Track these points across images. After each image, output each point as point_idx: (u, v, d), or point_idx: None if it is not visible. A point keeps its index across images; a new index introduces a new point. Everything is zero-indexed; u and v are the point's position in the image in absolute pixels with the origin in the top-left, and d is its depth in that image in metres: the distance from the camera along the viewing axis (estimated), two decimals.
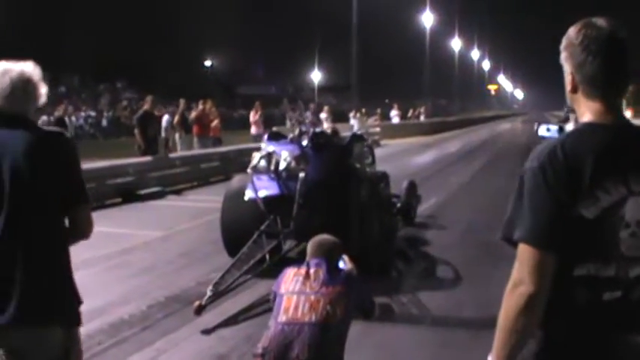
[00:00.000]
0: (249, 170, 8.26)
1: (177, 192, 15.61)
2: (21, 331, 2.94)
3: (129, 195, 13.59)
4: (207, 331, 6.09)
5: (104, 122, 42.80)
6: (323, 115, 30.97)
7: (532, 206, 2.14)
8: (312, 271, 4.00)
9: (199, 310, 6.24)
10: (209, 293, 6.49)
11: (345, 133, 13.72)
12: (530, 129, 57.02)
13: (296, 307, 3.80)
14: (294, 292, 3.89)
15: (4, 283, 2.91)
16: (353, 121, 34.44)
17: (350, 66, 55.54)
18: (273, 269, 6.92)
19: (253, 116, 25.19)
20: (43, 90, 3.16)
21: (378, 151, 11.48)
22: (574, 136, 2.20)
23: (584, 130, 2.21)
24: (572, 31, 2.26)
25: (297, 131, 8.81)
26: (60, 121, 19.65)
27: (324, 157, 8.24)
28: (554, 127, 6.51)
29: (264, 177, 8.06)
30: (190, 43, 71.04)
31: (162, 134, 20.81)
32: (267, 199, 7.92)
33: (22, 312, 2.91)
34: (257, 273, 7.23)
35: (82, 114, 41.33)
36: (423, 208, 11.58)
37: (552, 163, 2.13)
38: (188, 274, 8.06)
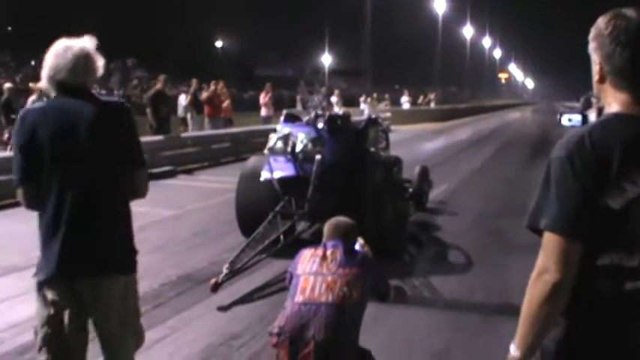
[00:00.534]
0: (266, 151, 8.30)
1: (189, 172, 15.66)
2: (97, 279, 3.29)
3: None
4: (223, 308, 6.15)
5: None
6: (334, 99, 30.90)
7: (559, 195, 2.14)
8: (329, 252, 3.99)
9: (216, 288, 6.32)
10: (225, 271, 6.55)
11: (356, 118, 13.73)
12: (541, 119, 57.13)
13: (313, 288, 3.80)
14: (311, 272, 3.89)
15: (87, 238, 3.24)
16: (363, 106, 34.41)
17: (361, 51, 55.39)
18: (287, 249, 7.13)
19: (263, 98, 25.15)
20: (101, 63, 3.42)
21: None
22: (602, 126, 2.19)
23: (611, 120, 2.20)
24: (601, 22, 2.24)
25: (313, 114, 8.80)
26: None
27: (339, 140, 8.27)
28: (576, 117, 6.52)
29: (281, 158, 8.10)
30: (201, 24, 70.93)
31: (181, 114, 20.83)
32: (282, 180, 7.96)
33: (102, 263, 3.29)
34: (271, 253, 7.27)
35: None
36: (434, 194, 11.56)
37: (580, 153, 2.12)
38: (200, 253, 8.09)
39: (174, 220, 9.87)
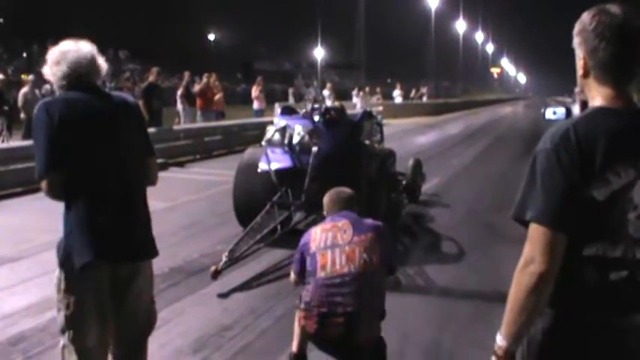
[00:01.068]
0: (263, 143, 8.47)
1: (180, 164, 15.66)
2: (136, 264, 3.53)
3: None
4: (222, 295, 6.30)
5: None
6: (326, 92, 30.88)
7: (544, 187, 2.18)
8: (340, 223, 3.98)
9: (216, 275, 6.45)
10: (224, 259, 6.68)
11: (349, 112, 13.75)
12: (532, 114, 57.11)
13: (333, 261, 3.80)
14: (327, 246, 3.87)
15: (130, 223, 3.45)
16: (356, 100, 34.42)
17: (354, 45, 55.35)
18: (283, 239, 7.48)
19: (255, 91, 25.13)
20: (105, 66, 3.59)
21: None
22: (586, 120, 2.22)
23: (596, 113, 2.24)
24: (585, 17, 2.28)
25: (309, 106, 8.88)
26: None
27: (335, 133, 8.41)
28: (560, 110, 6.55)
29: (278, 150, 8.29)
30: (194, 16, 70.75)
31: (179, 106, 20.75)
32: (279, 172, 8.13)
33: (142, 247, 3.54)
34: (268, 242, 7.42)
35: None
36: (426, 187, 11.58)
37: (565, 145, 2.16)
38: (192, 245, 8.11)
39: (167, 212, 9.86)
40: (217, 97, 20.89)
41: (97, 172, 3.37)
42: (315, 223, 4.40)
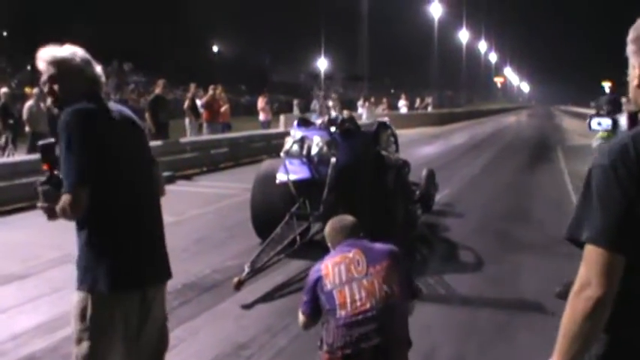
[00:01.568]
0: (282, 154, 8.48)
1: (187, 177, 15.52)
2: (160, 285, 3.43)
3: None
4: (246, 306, 6.28)
5: None
6: (330, 103, 30.82)
7: (602, 205, 2.02)
8: (350, 254, 3.70)
9: (239, 286, 6.45)
10: (247, 270, 6.68)
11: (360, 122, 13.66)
12: (536, 123, 57.15)
13: (352, 298, 3.52)
14: (343, 282, 3.59)
15: (159, 243, 3.40)
16: (361, 110, 34.30)
17: (358, 55, 55.31)
18: (299, 251, 7.56)
19: (261, 103, 25.06)
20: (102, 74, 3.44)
21: None
22: None
23: None
24: None
25: (326, 118, 8.86)
26: None
27: (352, 144, 8.41)
28: (606, 122, 6.44)
29: (296, 161, 8.30)
30: (196, 28, 70.86)
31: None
32: (298, 183, 8.14)
33: (165, 269, 3.44)
34: (288, 253, 7.45)
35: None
36: (438, 197, 11.54)
37: (624, 160, 2.01)
38: (203, 261, 7.97)
39: (175, 226, 9.69)
40: (223, 109, 20.78)
41: (126, 187, 3.21)
42: None
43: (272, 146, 19.97)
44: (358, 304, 3.50)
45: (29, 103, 16.97)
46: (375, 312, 3.48)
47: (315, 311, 3.68)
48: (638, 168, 2.00)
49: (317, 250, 7.58)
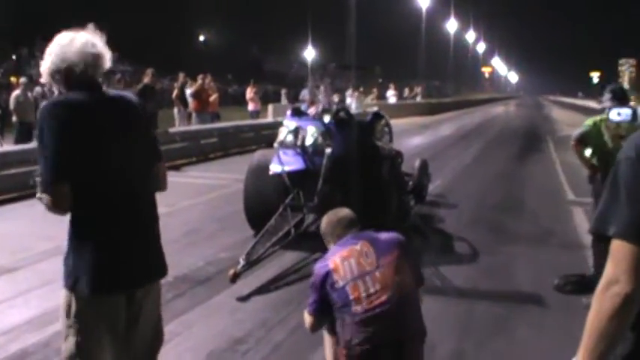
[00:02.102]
0: (276, 145, 8.36)
1: (177, 168, 15.40)
2: (150, 285, 3.27)
3: None
4: (241, 299, 6.20)
5: None
6: (321, 92, 30.64)
7: (630, 199, 1.95)
8: (357, 246, 3.60)
9: (235, 278, 6.36)
10: (242, 262, 6.62)
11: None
12: (525, 112, 57.31)
13: (367, 292, 3.43)
14: (355, 277, 3.49)
15: (147, 242, 3.22)
16: (350, 100, 34.18)
17: (347, 45, 55.06)
18: (293, 242, 7.53)
19: (249, 93, 24.92)
20: (108, 56, 3.23)
21: None
22: None
23: None
24: None
25: (320, 107, 8.75)
26: (53, 94, 19.35)
27: (347, 134, 8.34)
28: (625, 111, 6.41)
29: (290, 152, 8.19)
30: (183, 17, 70.48)
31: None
32: (292, 174, 8.05)
33: (157, 267, 3.31)
34: (283, 245, 7.39)
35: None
36: (430, 188, 11.50)
37: None
38: (195, 253, 7.87)
39: (165, 217, 9.45)
40: (212, 98, 20.65)
41: (109, 183, 3.06)
42: None
43: (261, 136, 19.90)
44: (373, 297, 3.43)
45: (16, 92, 16.81)
46: (391, 304, 3.42)
47: (324, 310, 3.59)
48: None
49: (312, 241, 7.54)
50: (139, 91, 16.61)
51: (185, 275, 6.99)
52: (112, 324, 3.11)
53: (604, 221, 2.02)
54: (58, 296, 3.17)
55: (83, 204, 2.99)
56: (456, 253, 8.20)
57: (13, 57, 49.77)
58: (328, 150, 7.97)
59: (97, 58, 3.15)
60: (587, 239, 7.46)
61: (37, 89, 19.57)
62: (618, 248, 1.96)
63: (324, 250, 3.93)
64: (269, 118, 24.26)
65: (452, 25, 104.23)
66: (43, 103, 3.07)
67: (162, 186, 3.41)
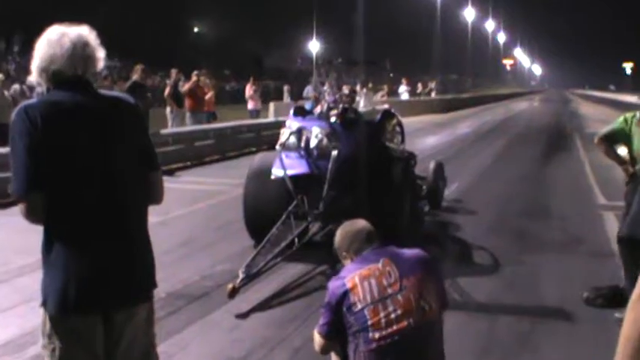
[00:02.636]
0: (277, 147, 8.36)
1: (170, 172, 15.39)
2: (133, 307, 3.17)
3: None
4: (241, 316, 6.19)
5: None
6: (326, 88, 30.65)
7: None
8: (379, 264, 3.54)
9: (233, 294, 6.35)
10: (241, 276, 6.60)
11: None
12: (550, 109, 57.20)
13: (388, 317, 3.39)
14: (376, 299, 3.43)
15: (127, 258, 3.11)
16: (358, 97, 34.23)
17: (355, 38, 55.16)
18: (298, 253, 7.47)
19: (249, 91, 24.95)
20: (101, 54, 3.22)
21: None
22: None
23: None
24: None
25: (325, 107, 8.74)
26: (33, 92, 19.36)
27: (355, 135, 8.35)
28: None
29: (293, 154, 8.21)
30: (175, 6, 70.54)
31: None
32: (295, 178, 8.04)
33: (141, 287, 3.21)
34: (286, 256, 7.37)
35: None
36: (447, 192, 11.52)
37: None
38: (190, 265, 7.88)
39: (158, 227, 9.55)
40: (208, 96, 20.62)
41: (89, 192, 3.01)
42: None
43: (262, 138, 19.92)
44: (394, 324, 3.39)
45: None
46: (412, 332, 3.38)
47: (337, 333, 3.54)
48: None
49: (317, 252, 7.55)
50: (128, 88, 16.58)
51: (179, 290, 6.99)
52: (88, 346, 3.07)
53: (638, 225, 2.00)
54: (38, 315, 3.16)
55: (57, 215, 2.97)
56: (475, 263, 8.19)
57: None
58: (334, 152, 7.96)
59: (88, 60, 3.15)
60: None
61: (15, 87, 19.63)
62: None
63: (330, 262, 3.92)
64: (270, 118, 24.26)
65: (469, 14, 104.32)
66: (19, 105, 3.06)
67: (156, 198, 3.36)
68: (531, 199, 12.60)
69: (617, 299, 6.16)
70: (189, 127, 19.15)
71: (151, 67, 39.99)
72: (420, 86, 48.69)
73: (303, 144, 8.14)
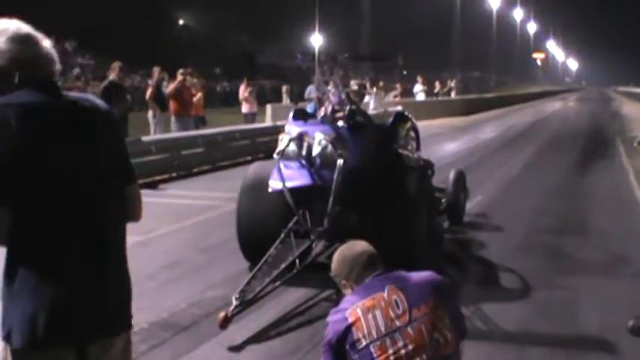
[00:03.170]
0: (275, 156, 8.40)
1: (153, 185, 15.44)
2: (108, 339, 3.12)
3: None
4: (234, 349, 6.19)
5: None
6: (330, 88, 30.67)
7: None
8: (384, 293, 3.52)
9: (225, 323, 6.33)
10: (235, 302, 6.59)
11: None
12: (588, 109, 57.14)
13: (397, 355, 3.38)
14: (383, 334, 3.41)
15: (101, 285, 3.06)
16: (368, 97, 34.28)
17: (362, 31, 55.38)
18: (301, 276, 7.47)
19: (243, 92, 25.03)
20: (54, 57, 3.18)
21: None
22: None
23: None
24: None
25: (329, 109, 8.76)
26: None
27: (363, 141, 8.38)
28: None
29: (293, 164, 8.26)
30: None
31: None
32: (296, 191, 8.04)
33: (117, 319, 3.16)
34: (285, 280, 7.35)
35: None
36: (469, 206, 11.54)
37: None
38: (176, 291, 7.90)
39: (140, 248, 9.61)
40: (196, 98, 20.66)
41: (55, 209, 2.95)
42: None
43: (258, 145, 19.97)
44: None
45: None
46: None
47: None
48: None
49: (321, 275, 7.53)
50: (104, 90, 16.62)
51: (164, 320, 7.01)
52: None
53: None
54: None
55: (20, 235, 2.93)
56: (502, 287, 8.19)
57: None
58: (340, 161, 7.96)
59: (49, 54, 3.14)
60: None
61: None
62: None
63: (336, 286, 3.91)
64: (267, 123, 24.35)
65: (494, 1, 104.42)
66: None
67: (134, 214, 3.34)
68: (566, 213, 12.60)
69: None
70: (174, 134, 19.16)
71: (129, 66, 40.18)
72: (437, 85, 48.68)
73: (304, 152, 8.17)
